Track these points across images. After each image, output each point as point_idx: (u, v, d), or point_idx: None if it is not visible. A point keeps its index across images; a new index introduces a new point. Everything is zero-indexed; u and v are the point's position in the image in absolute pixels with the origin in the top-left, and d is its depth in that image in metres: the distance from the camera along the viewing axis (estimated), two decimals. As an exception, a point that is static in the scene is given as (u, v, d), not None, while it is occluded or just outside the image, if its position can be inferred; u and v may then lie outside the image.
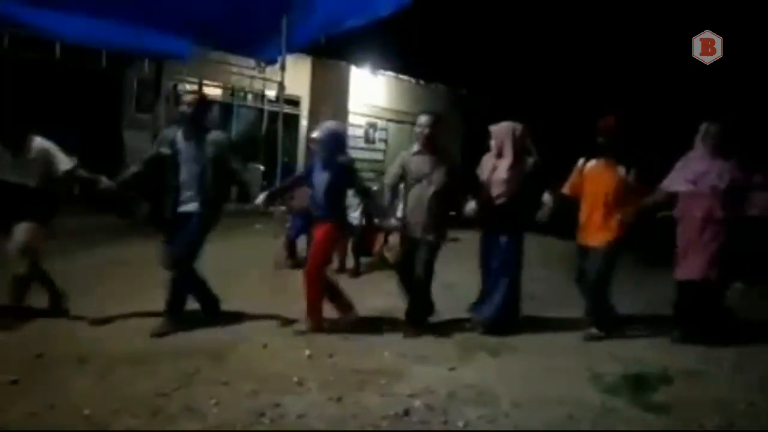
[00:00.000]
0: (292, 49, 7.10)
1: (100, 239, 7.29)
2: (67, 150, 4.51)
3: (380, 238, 7.26)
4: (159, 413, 3.06)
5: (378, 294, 5.63)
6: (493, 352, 4.34)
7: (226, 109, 13.22)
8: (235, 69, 12.09)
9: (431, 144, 4.63)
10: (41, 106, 9.63)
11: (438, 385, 3.60)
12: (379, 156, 15.71)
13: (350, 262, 6.84)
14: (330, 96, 14.12)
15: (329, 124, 4.68)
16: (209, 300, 4.64)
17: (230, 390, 3.39)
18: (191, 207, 4.36)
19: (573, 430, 3.21)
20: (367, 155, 15.05)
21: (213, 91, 12.92)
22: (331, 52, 13.01)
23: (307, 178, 4.70)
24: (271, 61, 7.57)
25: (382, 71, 15.44)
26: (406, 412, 3.23)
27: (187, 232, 4.33)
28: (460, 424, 3.15)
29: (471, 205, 4.71)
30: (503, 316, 4.72)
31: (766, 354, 4.60)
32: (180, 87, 12.06)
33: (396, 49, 13.87)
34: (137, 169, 4.55)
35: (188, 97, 4.52)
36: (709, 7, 8.74)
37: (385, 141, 15.89)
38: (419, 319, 4.71)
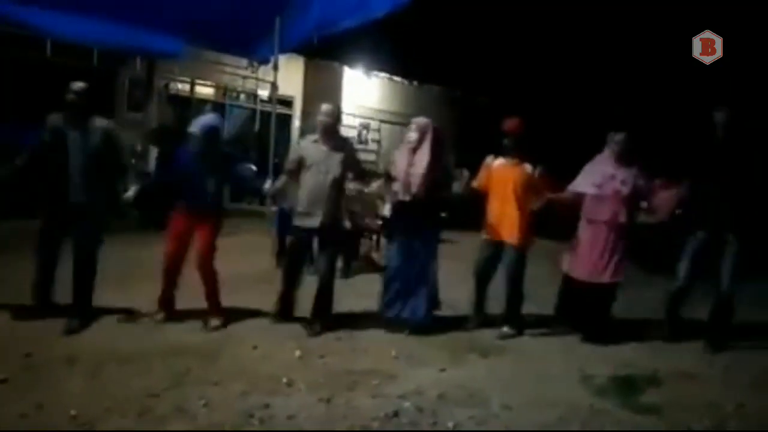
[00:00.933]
0: (285, 49, 7.08)
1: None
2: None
3: (366, 241, 7.26)
4: (148, 413, 3.04)
5: (369, 295, 5.61)
6: (484, 353, 4.34)
7: (219, 108, 13.17)
8: (227, 68, 12.00)
9: (329, 133, 4.65)
10: (31, 104, 9.58)
11: (428, 387, 3.61)
12: (371, 157, 15.70)
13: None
14: (323, 96, 14.03)
15: (204, 118, 4.60)
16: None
17: (220, 390, 3.37)
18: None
19: (563, 431, 3.22)
20: (359, 156, 15.04)
21: (205, 91, 12.87)
22: (325, 53, 12.97)
23: (185, 172, 4.53)
24: (264, 61, 7.55)
25: (375, 72, 15.44)
26: (396, 413, 3.23)
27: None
28: (450, 425, 3.15)
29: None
30: (429, 313, 4.72)
31: (756, 356, 4.65)
32: (172, 86, 12.01)
33: (390, 50, 13.86)
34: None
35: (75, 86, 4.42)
36: (707, 6, 8.77)
37: (378, 142, 15.87)
38: (325, 315, 4.63)
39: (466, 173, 4.85)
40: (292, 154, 4.85)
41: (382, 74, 15.70)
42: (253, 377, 3.58)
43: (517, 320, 4.81)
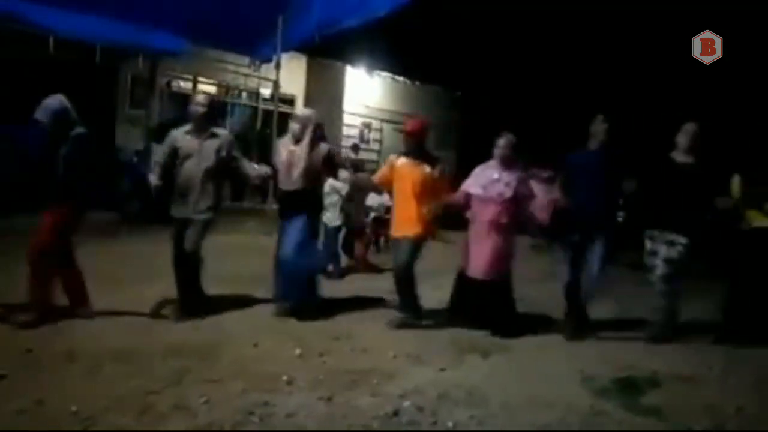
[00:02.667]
0: (288, 47, 7.11)
1: (89, 236, 7.24)
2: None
3: (361, 244, 7.21)
4: (148, 411, 3.04)
5: (368, 295, 5.63)
6: (484, 353, 4.34)
7: (221, 106, 13.18)
8: (230, 67, 12.05)
9: (203, 122, 4.68)
10: (34, 100, 9.59)
11: (428, 386, 3.60)
12: (373, 156, 15.70)
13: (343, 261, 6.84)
14: (325, 95, 14.10)
15: (48, 101, 4.38)
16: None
17: (220, 388, 3.37)
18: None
19: (563, 431, 3.21)
20: (361, 155, 15.04)
21: (208, 89, 12.88)
22: (327, 52, 12.98)
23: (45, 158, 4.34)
24: (266, 60, 7.57)
25: (377, 72, 15.44)
26: (396, 413, 3.23)
27: None
28: (450, 425, 3.15)
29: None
30: (309, 298, 4.88)
31: (756, 358, 4.64)
32: (174, 84, 12.02)
33: (392, 49, 13.86)
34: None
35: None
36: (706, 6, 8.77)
37: (380, 141, 15.87)
38: (192, 307, 4.67)
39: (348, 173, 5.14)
40: (165, 147, 4.81)
41: (384, 73, 15.70)
42: (253, 375, 3.58)
43: (409, 307, 4.90)
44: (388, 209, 6.56)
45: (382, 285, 5.70)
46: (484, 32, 14.44)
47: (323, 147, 4.90)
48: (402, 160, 4.94)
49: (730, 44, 5.38)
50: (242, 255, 6.95)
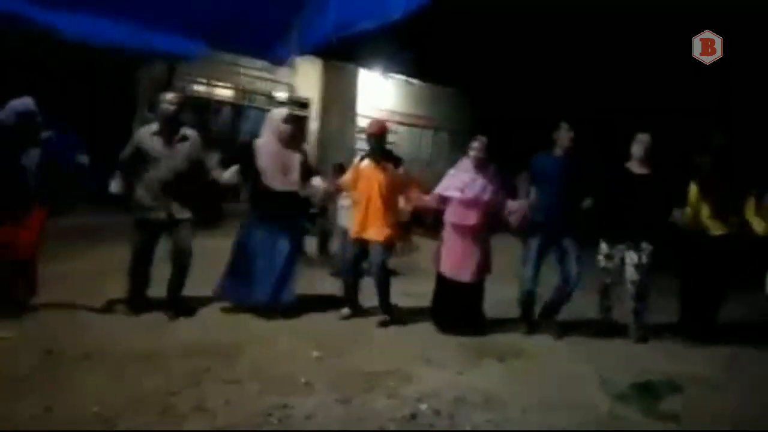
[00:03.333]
0: (303, 51, 7.10)
1: (109, 237, 7.33)
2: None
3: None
4: (168, 411, 3.08)
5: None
6: (501, 356, 4.33)
7: (236, 110, 13.26)
8: (245, 70, 12.13)
9: (173, 123, 4.53)
10: (52, 105, 9.73)
11: (445, 389, 3.61)
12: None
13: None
14: (339, 98, 14.14)
15: (14, 102, 4.32)
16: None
17: (239, 389, 3.40)
18: None
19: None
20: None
21: (223, 92, 12.97)
22: (342, 55, 13.00)
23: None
24: (281, 63, 7.59)
25: (392, 74, 15.45)
26: (413, 416, 3.24)
27: None
28: (467, 428, 3.15)
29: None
30: (288, 297, 4.86)
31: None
32: (190, 87, 12.12)
33: (407, 52, 13.85)
34: None
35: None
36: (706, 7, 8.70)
37: (394, 144, 15.89)
38: (178, 305, 4.67)
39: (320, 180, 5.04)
40: (129, 147, 4.57)
41: (399, 76, 15.71)
42: (272, 377, 3.61)
43: (389, 308, 4.99)
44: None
45: (401, 285, 5.72)
46: (499, 35, 14.38)
47: (305, 148, 4.98)
48: (365, 162, 4.95)
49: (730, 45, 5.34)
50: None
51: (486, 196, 4.76)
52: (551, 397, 3.64)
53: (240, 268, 4.82)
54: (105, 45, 8.42)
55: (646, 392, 3.82)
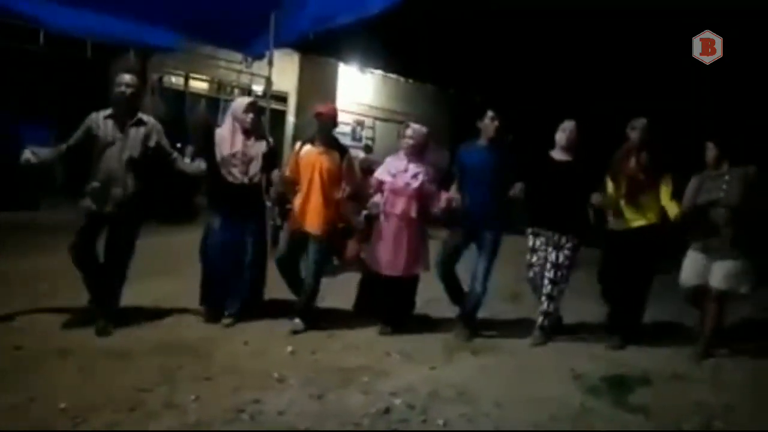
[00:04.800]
0: (280, 44, 7.05)
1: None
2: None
3: (354, 244, 7.11)
4: (139, 408, 3.03)
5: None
6: (475, 351, 4.36)
7: (213, 103, 13.13)
8: (222, 63, 12.02)
9: (129, 106, 4.22)
10: (23, 95, 9.52)
11: (420, 384, 3.61)
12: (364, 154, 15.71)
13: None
14: (317, 93, 14.07)
15: None
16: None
17: (211, 386, 3.37)
18: None
19: (553, 429, 3.23)
20: (354, 153, 15.04)
21: (199, 85, 12.83)
22: (320, 49, 12.97)
23: None
24: (259, 56, 7.51)
25: (370, 69, 15.42)
26: (387, 410, 3.24)
27: None
28: (440, 423, 3.16)
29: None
30: (252, 298, 4.68)
31: (745, 358, 4.67)
32: (165, 79, 11.96)
33: (385, 47, 13.85)
34: None
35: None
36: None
37: (372, 139, 15.87)
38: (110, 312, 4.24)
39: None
40: (79, 131, 4.20)
41: (377, 71, 15.69)
42: (245, 373, 3.58)
43: (308, 310, 4.62)
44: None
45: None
46: (477, 30, 14.44)
47: (267, 140, 4.70)
48: (307, 148, 4.62)
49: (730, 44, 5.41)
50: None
51: (415, 185, 4.58)
52: (524, 391, 3.67)
53: (212, 277, 4.55)
54: (80, 35, 8.27)
55: (617, 385, 3.87)
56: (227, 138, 4.49)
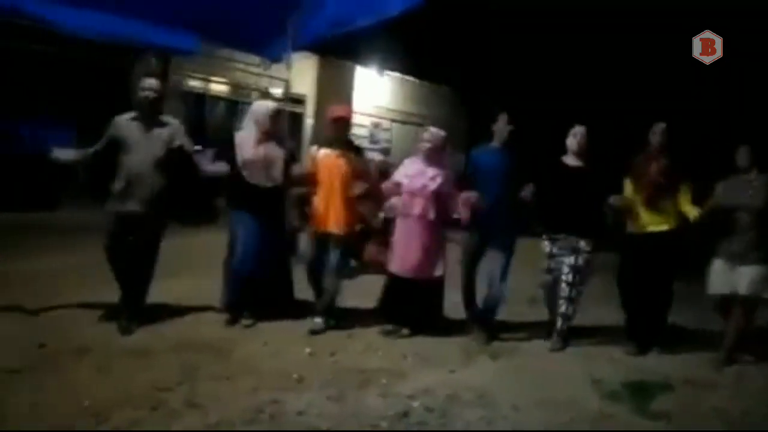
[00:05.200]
0: (299, 47, 7.08)
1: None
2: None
3: (372, 246, 7.13)
4: (160, 407, 3.07)
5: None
6: (494, 355, 4.35)
7: (232, 105, 13.22)
8: (241, 66, 12.10)
9: (152, 109, 4.31)
10: (49, 99, 9.67)
11: (438, 387, 3.61)
12: (382, 156, 15.73)
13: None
14: (335, 95, 14.10)
15: None
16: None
17: (231, 386, 3.40)
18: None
19: (572, 434, 3.22)
20: (370, 155, 15.05)
21: (219, 88, 12.93)
22: (338, 52, 12.99)
23: None
24: (277, 59, 7.56)
25: (388, 72, 15.43)
26: (406, 413, 3.24)
27: None
28: (459, 426, 3.16)
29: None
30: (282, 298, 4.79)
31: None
32: (186, 83, 12.08)
33: (403, 49, 13.84)
34: None
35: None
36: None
37: (390, 141, 15.87)
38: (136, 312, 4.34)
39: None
40: (105, 135, 4.31)
41: (395, 74, 15.70)
42: (264, 373, 3.61)
43: (331, 310, 4.69)
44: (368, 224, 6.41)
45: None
46: (494, 34, 14.40)
47: (288, 145, 4.80)
48: (324, 152, 4.69)
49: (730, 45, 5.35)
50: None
51: (432, 187, 4.59)
52: (543, 394, 3.65)
53: (236, 280, 4.57)
54: (100, 38, 8.39)
55: (638, 391, 3.83)
56: (249, 141, 4.56)
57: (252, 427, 2.98)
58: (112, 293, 4.51)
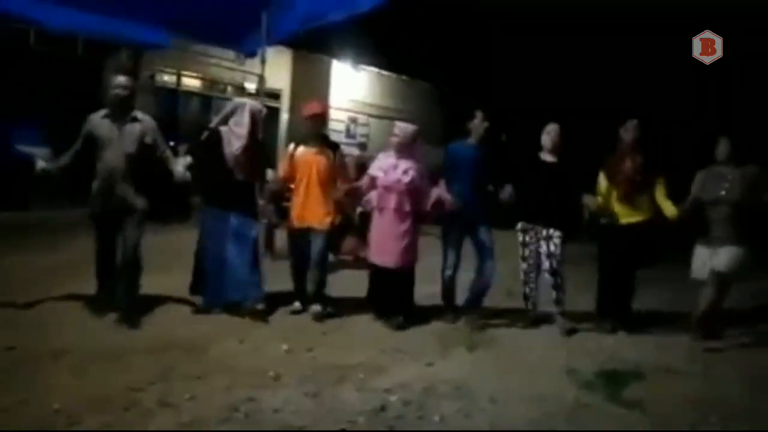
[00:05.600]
0: (273, 41, 7.01)
1: (82, 231, 7.15)
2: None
3: (351, 239, 7.16)
4: (132, 408, 3.02)
5: (355, 291, 5.62)
6: (471, 347, 4.36)
7: (205, 101, 13.07)
8: (214, 60, 11.95)
9: (124, 106, 4.34)
10: (15, 94, 9.45)
11: (415, 380, 3.62)
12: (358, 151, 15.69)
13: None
14: (310, 90, 14.03)
15: None
16: None
17: (206, 384, 3.36)
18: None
19: (548, 424, 3.24)
20: (347, 150, 15.01)
21: (192, 83, 12.77)
22: (313, 46, 12.92)
23: None
24: (251, 54, 7.48)
25: (363, 66, 15.38)
26: (383, 407, 3.24)
27: None
28: (436, 419, 3.17)
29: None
30: (256, 293, 4.76)
31: (739, 352, 4.71)
32: (158, 77, 11.90)
33: (379, 44, 13.82)
34: None
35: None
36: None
37: (367, 136, 15.85)
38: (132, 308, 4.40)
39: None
40: (82, 130, 4.33)
41: (371, 68, 15.65)
42: (240, 371, 3.57)
43: (324, 298, 4.92)
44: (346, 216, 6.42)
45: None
46: (471, 28, 14.44)
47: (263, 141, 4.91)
48: (302, 149, 4.85)
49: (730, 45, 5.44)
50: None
51: (405, 181, 4.69)
52: (520, 386, 3.68)
53: (207, 268, 4.67)
54: (70, 33, 8.21)
55: (612, 380, 3.88)
56: (242, 137, 4.61)
57: (227, 426, 2.94)
58: (88, 293, 4.45)
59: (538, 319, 5.06)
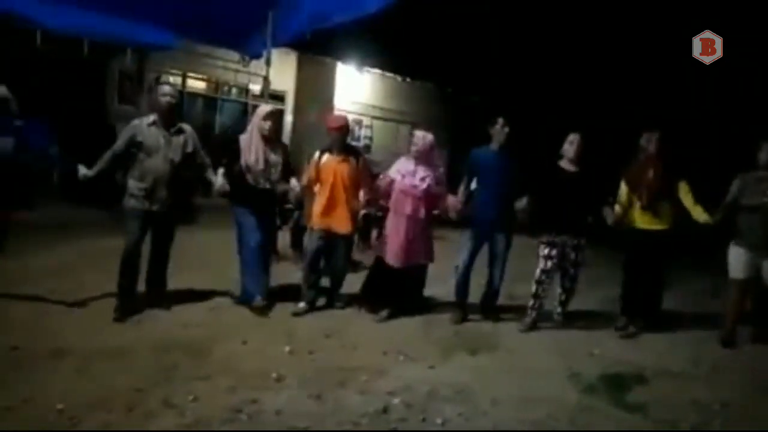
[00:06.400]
0: (278, 43, 7.03)
1: (84, 231, 7.20)
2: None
3: (373, 233, 7.25)
4: (135, 408, 3.03)
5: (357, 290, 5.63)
6: (473, 350, 4.36)
7: (210, 102, 13.11)
8: (219, 62, 12.00)
9: (171, 115, 4.54)
10: (21, 95, 9.48)
11: (418, 383, 3.61)
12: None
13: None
14: (315, 92, 14.07)
15: None
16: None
17: (209, 385, 3.36)
18: None
19: (550, 428, 3.23)
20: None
21: (197, 84, 12.81)
22: (318, 48, 12.93)
23: None
24: (256, 56, 7.50)
25: (368, 68, 15.39)
26: (385, 410, 3.24)
27: None
28: (438, 422, 3.17)
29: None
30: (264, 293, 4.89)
31: (743, 355, 4.70)
32: (163, 79, 11.94)
33: (383, 46, 13.82)
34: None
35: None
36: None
37: (370, 138, 15.86)
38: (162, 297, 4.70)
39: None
40: (124, 135, 4.48)
41: (375, 70, 15.66)
42: (242, 373, 3.57)
43: (342, 293, 5.22)
44: (381, 208, 6.50)
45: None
46: (475, 29, 14.44)
47: (284, 146, 5.09)
48: (327, 156, 4.98)
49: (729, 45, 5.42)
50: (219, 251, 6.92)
51: (422, 187, 4.84)
52: (522, 389, 3.67)
53: (251, 269, 4.83)
54: (76, 34, 8.24)
55: (614, 384, 3.87)
56: (249, 145, 4.76)
57: (229, 427, 2.95)
58: (90, 293, 4.45)
59: (536, 322, 5.04)
